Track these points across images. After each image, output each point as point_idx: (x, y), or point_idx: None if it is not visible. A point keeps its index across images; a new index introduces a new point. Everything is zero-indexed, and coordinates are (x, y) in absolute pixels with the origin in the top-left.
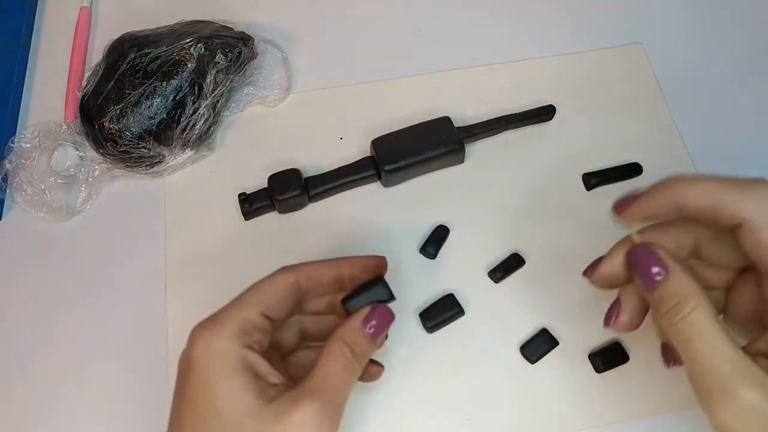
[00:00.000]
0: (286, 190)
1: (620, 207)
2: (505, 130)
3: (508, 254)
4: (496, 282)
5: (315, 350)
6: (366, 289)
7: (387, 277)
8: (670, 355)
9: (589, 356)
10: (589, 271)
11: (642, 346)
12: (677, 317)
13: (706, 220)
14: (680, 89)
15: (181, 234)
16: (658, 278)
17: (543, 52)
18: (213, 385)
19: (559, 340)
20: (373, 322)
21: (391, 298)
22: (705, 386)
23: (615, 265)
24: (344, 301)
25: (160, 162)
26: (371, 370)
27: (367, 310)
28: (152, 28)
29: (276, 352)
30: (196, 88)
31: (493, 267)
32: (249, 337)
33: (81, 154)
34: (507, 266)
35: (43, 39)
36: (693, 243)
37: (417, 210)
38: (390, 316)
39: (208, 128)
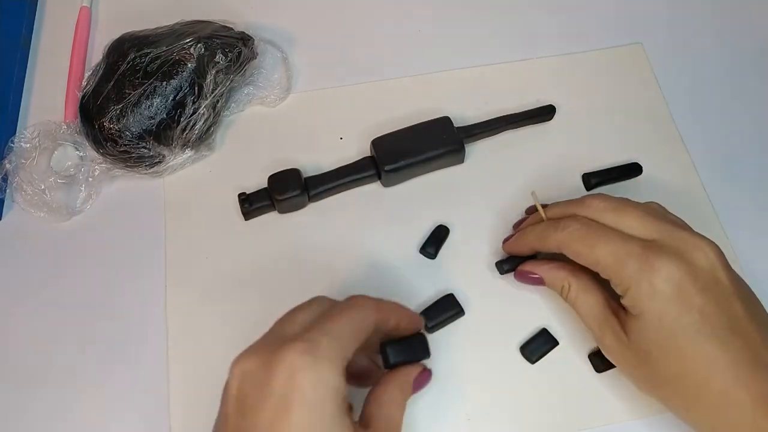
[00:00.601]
0: (286, 190)
1: (505, 239)
2: (505, 130)
3: (508, 254)
4: (501, 274)
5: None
6: (409, 341)
7: (386, 277)
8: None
9: (589, 356)
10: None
11: None
12: (562, 296)
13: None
14: (680, 89)
15: (181, 234)
16: (540, 281)
17: (543, 52)
18: (327, 425)
19: (559, 340)
20: (420, 381)
21: (429, 356)
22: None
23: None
24: (387, 346)
25: (160, 162)
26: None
27: (418, 368)
28: (152, 28)
29: None
30: (196, 88)
31: (493, 267)
32: (343, 373)
33: (81, 154)
34: (507, 266)
35: (43, 39)
36: None
37: (417, 210)
38: (429, 381)
39: (208, 128)
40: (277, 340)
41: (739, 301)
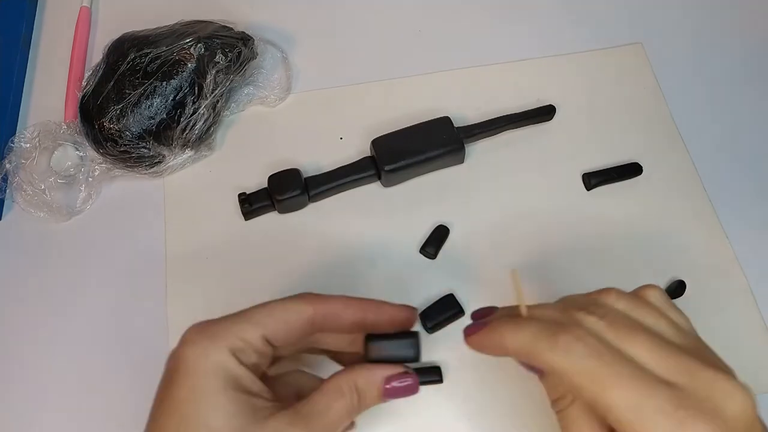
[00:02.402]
0: (286, 190)
1: (469, 331)
2: (505, 130)
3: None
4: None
5: (309, 377)
6: (396, 338)
7: (386, 277)
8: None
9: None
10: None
11: None
12: (554, 408)
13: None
14: (680, 89)
15: (181, 234)
16: (539, 373)
17: (543, 52)
18: (206, 398)
19: None
20: (394, 385)
21: (417, 359)
22: None
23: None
24: (368, 340)
25: (160, 162)
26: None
27: (396, 370)
28: (152, 28)
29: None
30: (196, 88)
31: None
32: (245, 356)
33: (81, 154)
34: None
35: (43, 39)
36: None
37: (417, 210)
38: (413, 391)
39: (208, 128)
40: None
41: None
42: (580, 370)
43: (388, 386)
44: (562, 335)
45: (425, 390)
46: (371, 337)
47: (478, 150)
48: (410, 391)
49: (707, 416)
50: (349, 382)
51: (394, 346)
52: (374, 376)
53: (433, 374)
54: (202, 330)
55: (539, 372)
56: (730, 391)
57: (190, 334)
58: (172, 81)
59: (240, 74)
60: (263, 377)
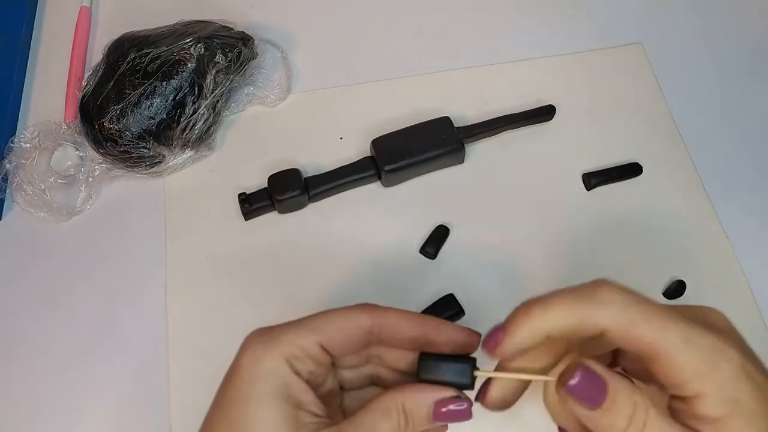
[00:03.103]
0: (286, 190)
1: (489, 345)
2: (505, 130)
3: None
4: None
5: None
6: (453, 361)
7: (386, 277)
8: None
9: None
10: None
11: None
12: (639, 427)
13: (574, 336)
14: (680, 89)
15: (181, 234)
16: (601, 399)
17: (543, 52)
18: (252, 405)
19: None
20: (445, 410)
21: (471, 387)
22: None
23: (507, 391)
24: (422, 358)
25: (160, 162)
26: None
27: (448, 393)
28: (152, 28)
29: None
30: (196, 88)
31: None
32: (300, 364)
33: (81, 154)
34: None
35: (43, 39)
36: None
37: (417, 210)
38: (465, 417)
39: (208, 128)
40: None
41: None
42: (632, 318)
43: (443, 409)
44: (597, 291)
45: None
46: (426, 356)
47: (478, 150)
48: (464, 417)
49: (728, 338)
50: (396, 401)
51: (449, 368)
52: (424, 398)
53: (462, 377)
54: (260, 335)
55: (599, 396)
56: (709, 311)
57: (249, 339)
58: (172, 81)
59: (240, 74)
60: (320, 392)
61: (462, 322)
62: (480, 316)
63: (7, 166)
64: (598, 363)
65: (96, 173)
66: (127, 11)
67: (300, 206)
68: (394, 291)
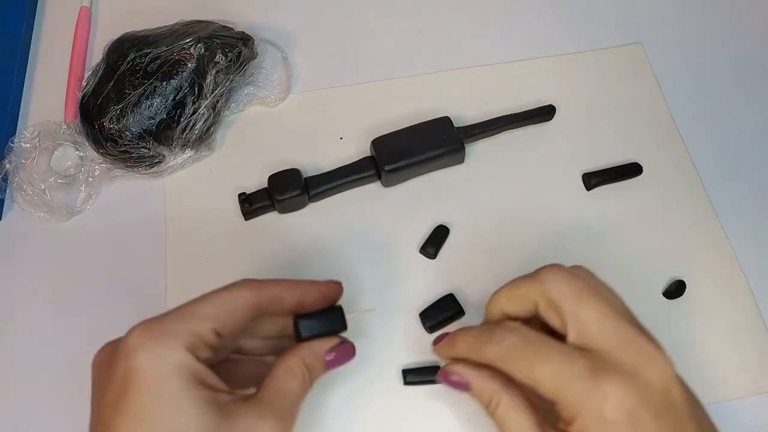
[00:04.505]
0: (286, 190)
1: (436, 341)
2: (505, 130)
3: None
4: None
5: (255, 363)
6: (324, 314)
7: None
8: None
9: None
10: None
11: None
12: (488, 412)
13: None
14: (680, 89)
15: (181, 234)
16: (465, 387)
17: (543, 52)
18: (172, 402)
19: None
20: (334, 355)
21: (345, 329)
22: None
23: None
24: (298, 319)
25: (160, 162)
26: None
27: (334, 341)
28: (152, 28)
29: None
30: (196, 88)
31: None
32: (200, 351)
33: (81, 154)
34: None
35: (43, 39)
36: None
37: (417, 210)
38: (351, 356)
39: (208, 128)
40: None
41: (694, 425)
42: (513, 354)
43: (329, 357)
44: (496, 331)
45: (424, 389)
46: (300, 317)
47: (478, 150)
48: (348, 357)
49: (624, 377)
50: (297, 360)
51: (325, 321)
52: (319, 350)
53: (338, 323)
54: (150, 330)
55: (464, 386)
56: (653, 356)
57: (136, 336)
58: (172, 81)
59: (240, 74)
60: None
61: (462, 322)
62: (480, 316)
63: (7, 166)
64: (465, 366)
65: (96, 173)
66: (127, 11)
67: (300, 206)
68: (394, 291)
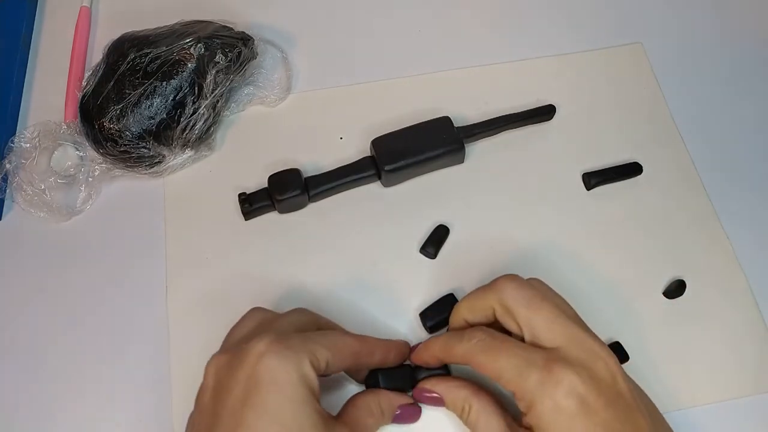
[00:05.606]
0: (286, 190)
1: (413, 349)
2: (505, 130)
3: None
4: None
5: None
6: (398, 372)
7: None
8: None
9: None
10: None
11: (642, 345)
12: (462, 419)
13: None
14: (680, 89)
15: (181, 234)
16: (440, 402)
17: (543, 52)
18: (301, 407)
19: None
20: (403, 411)
21: (412, 387)
22: None
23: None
24: (378, 372)
25: (160, 162)
26: None
27: (407, 399)
28: (152, 28)
29: None
30: (196, 88)
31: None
32: (314, 372)
33: (81, 154)
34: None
35: (43, 39)
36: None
37: (417, 210)
38: (415, 418)
39: (208, 128)
40: (240, 342)
41: (641, 415)
42: (480, 349)
43: (398, 412)
44: (466, 332)
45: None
46: (380, 370)
47: (478, 150)
48: (415, 417)
49: (576, 367)
50: (376, 401)
51: (399, 377)
52: (393, 401)
53: (408, 382)
54: (279, 342)
55: (439, 401)
56: (599, 352)
57: (265, 344)
58: (172, 81)
59: (240, 74)
60: None
61: None
62: None
63: (7, 166)
64: (436, 380)
65: (96, 173)
66: (127, 11)
67: (300, 206)
68: (394, 291)
